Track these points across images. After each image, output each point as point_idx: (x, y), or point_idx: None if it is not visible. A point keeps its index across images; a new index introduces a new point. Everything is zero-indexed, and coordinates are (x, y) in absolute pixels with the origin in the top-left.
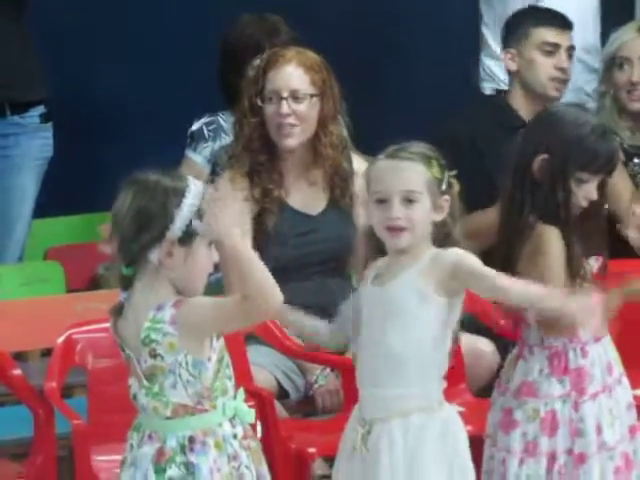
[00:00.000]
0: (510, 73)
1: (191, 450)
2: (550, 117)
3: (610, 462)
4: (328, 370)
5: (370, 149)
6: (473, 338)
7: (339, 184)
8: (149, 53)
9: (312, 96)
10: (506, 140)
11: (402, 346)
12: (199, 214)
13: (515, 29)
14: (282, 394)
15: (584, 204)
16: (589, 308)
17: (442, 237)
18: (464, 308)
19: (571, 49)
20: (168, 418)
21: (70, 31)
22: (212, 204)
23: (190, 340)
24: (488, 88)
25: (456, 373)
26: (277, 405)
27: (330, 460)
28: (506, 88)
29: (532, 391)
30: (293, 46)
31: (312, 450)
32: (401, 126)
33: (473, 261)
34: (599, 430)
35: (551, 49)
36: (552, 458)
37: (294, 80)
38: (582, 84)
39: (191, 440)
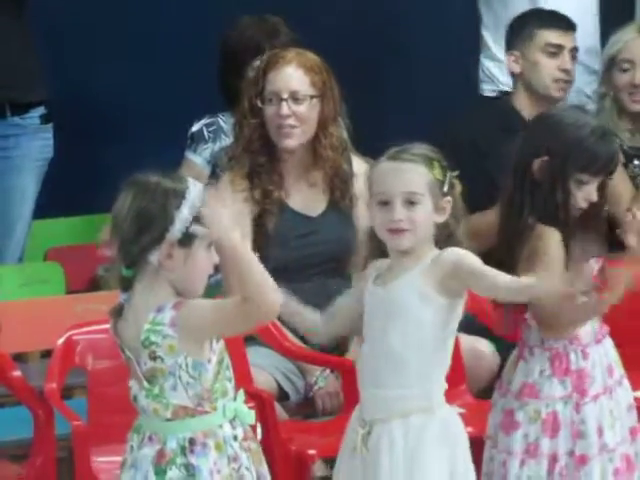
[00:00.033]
0: (513, 75)
1: (191, 452)
2: (550, 119)
3: (610, 464)
4: (328, 372)
5: (370, 150)
6: (473, 339)
7: (339, 186)
8: (149, 54)
9: (312, 97)
10: (509, 142)
11: (403, 347)
12: (198, 217)
13: (519, 31)
14: (282, 396)
15: (584, 205)
16: (587, 280)
17: (444, 238)
18: (465, 309)
19: (574, 50)
20: (168, 420)
21: (70, 32)
22: (212, 205)
23: (190, 342)
24: (487, 90)
25: (456, 374)
26: (277, 407)
27: (330, 462)
28: (505, 90)
29: (533, 392)
30: (293, 47)
31: (312, 452)
32: (401, 127)
33: (473, 260)
34: (600, 432)
35: (555, 50)
36: (553, 459)
37: (294, 81)
38: (582, 86)
39: (191, 442)
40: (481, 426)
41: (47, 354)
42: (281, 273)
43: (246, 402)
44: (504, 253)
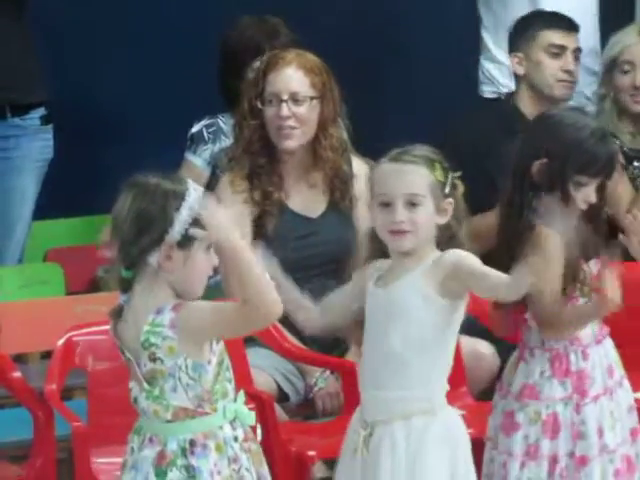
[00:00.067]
0: (517, 76)
1: (192, 453)
2: (549, 120)
3: (610, 465)
4: (328, 373)
5: (370, 151)
6: (473, 341)
7: (339, 187)
8: (149, 55)
9: (312, 99)
10: (513, 143)
11: (404, 348)
12: (197, 219)
13: (521, 32)
14: (282, 397)
15: (583, 207)
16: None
17: (446, 240)
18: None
19: (577, 51)
20: (169, 421)
21: (70, 33)
22: (211, 207)
23: (189, 344)
24: (487, 91)
25: (456, 376)
26: (277, 408)
27: (330, 463)
28: (505, 91)
29: (534, 394)
30: (293, 48)
31: (312, 453)
32: (401, 128)
33: (473, 261)
34: (600, 433)
35: (557, 51)
36: (553, 461)
37: (294, 83)
38: (582, 87)
39: (192, 443)
40: (481, 427)
41: (47, 355)
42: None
43: (246, 403)
44: (504, 254)
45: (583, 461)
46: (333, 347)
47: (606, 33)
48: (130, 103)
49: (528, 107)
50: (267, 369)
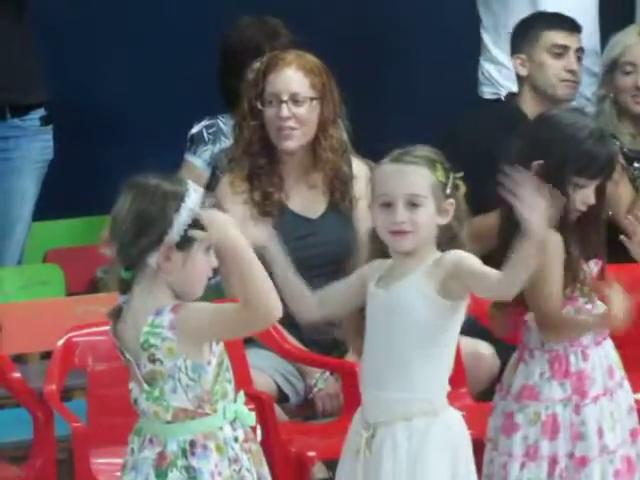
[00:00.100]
0: (519, 78)
1: (192, 454)
2: (548, 121)
3: (610, 465)
4: (327, 373)
5: (370, 152)
6: (473, 341)
7: (339, 187)
8: (149, 55)
9: (312, 99)
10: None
11: (406, 349)
12: (198, 220)
13: (524, 34)
14: (282, 398)
15: (582, 208)
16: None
17: (447, 240)
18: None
19: (580, 51)
20: (169, 422)
21: (70, 34)
22: (213, 207)
23: (189, 345)
24: (487, 92)
25: (456, 377)
26: (277, 409)
27: (330, 463)
28: (505, 92)
29: (533, 394)
30: (293, 49)
31: (312, 454)
32: (401, 129)
33: (474, 261)
34: (600, 433)
35: (560, 51)
36: (553, 462)
37: (294, 83)
38: (581, 88)
39: (192, 444)
40: (481, 428)
41: (47, 355)
42: None
43: (246, 404)
44: (504, 255)
45: (583, 462)
46: (333, 348)
47: (606, 34)
48: (130, 103)
49: (531, 108)
50: (267, 370)
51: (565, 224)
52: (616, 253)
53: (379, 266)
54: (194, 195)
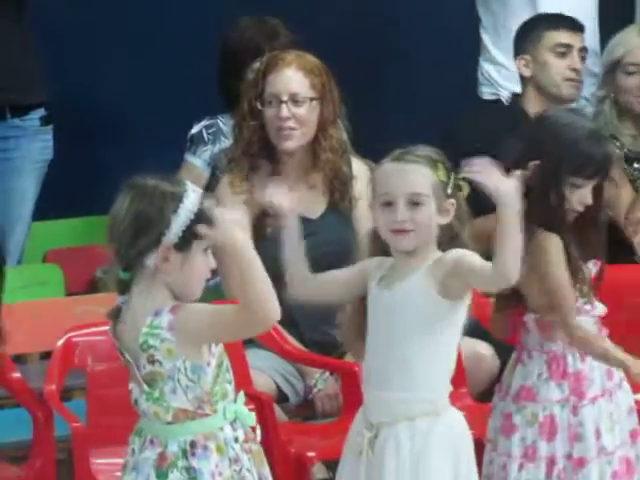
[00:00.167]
0: (523, 79)
1: (193, 454)
2: (544, 121)
3: (608, 467)
4: (327, 374)
5: (370, 152)
6: (473, 342)
7: (339, 188)
8: (149, 56)
9: (312, 100)
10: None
11: (408, 349)
12: (203, 218)
13: (527, 35)
14: (281, 398)
15: (580, 209)
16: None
17: (448, 240)
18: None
19: (583, 51)
20: (169, 423)
21: (70, 34)
22: (214, 206)
23: (188, 346)
24: (487, 93)
25: (456, 377)
26: (276, 409)
27: (329, 464)
28: (504, 93)
29: (531, 395)
30: (293, 49)
31: (311, 454)
32: (401, 129)
33: (474, 258)
34: (598, 434)
35: (564, 50)
36: (551, 463)
37: (294, 83)
38: None
39: (192, 445)
40: (481, 429)
41: (46, 356)
42: (280, 276)
43: (246, 404)
44: None
45: (581, 463)
46: (333, 348)
47: (606, 34)
48: (130, 103)
49: (535, 109)
50: (267, 370)
51: (563, 225)
52: (617, 254)
53: (381, 264)
54: (193, 196)
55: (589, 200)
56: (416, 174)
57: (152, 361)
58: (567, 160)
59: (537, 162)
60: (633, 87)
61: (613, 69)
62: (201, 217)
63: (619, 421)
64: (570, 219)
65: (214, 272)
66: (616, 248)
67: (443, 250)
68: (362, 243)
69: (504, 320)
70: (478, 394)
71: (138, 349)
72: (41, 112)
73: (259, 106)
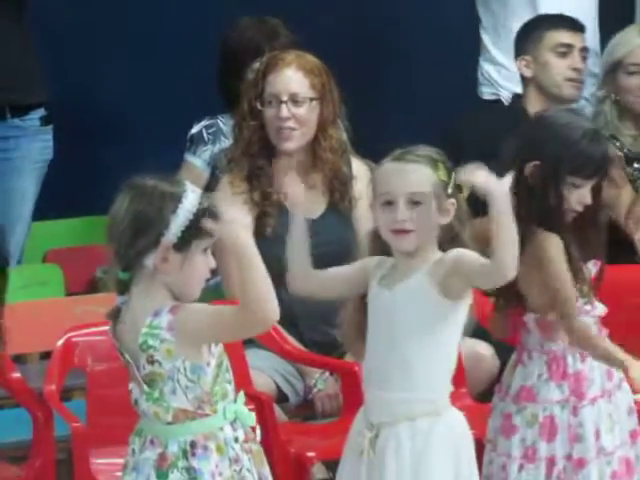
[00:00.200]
0: (524, 79)
1: (193, 455)
2: (543, 121)
3: (608, 467)
4: (327, 374)
5: (370, 152)
6: (473, 342)
7: (338, 188)
8: (149, 56)
9: (312, 100)
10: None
11: (408, 349)
12: (211, 213)
13: (527, 35)
14: (281, 398)
15: (579, 209)
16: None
17: (449, 240)
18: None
19: (584, 51)
20: (169, 423)
21: (70, 34)
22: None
23: (187, 346)
24: (487, 93)
25: (456, 377)
26: (276, 409)
27: (329, 464)
28: (504, 93)
29: (531, 396)
30: (293, 49)
31: (311, 454)
32: (401, 129)
33: (473, 256)
34: (597, 435)
35: (565, 50)
36: (551, 463)
37: (294, 84)
38: None
39: (193, 445)
40: (481, 429)
41: (46, 356)
42: (280, 276)
43: (246, 404)
44: None
45: (580, 463)
46: (333, 348)
47: (606, 34)
48: (130, 103)
49: (536, 109)
50: (266, 370)
51: (563, 225)
52: (617, 254)
53: (382, 264)
54: (192, 196)
55: (588, 200)
56: (417, 173)
57: (152, 361)
58: (566, 160)
59: (536, 162)
60: (634, 87)
61: (614, 69)
62: (207, 213)
63: (619, 421)
64: (569, 219)
65: (214, 272)
66: (616, 248)
67: (444, 250)
68: (362, 243)
69: (504, 320)
70: (478, 394)
71: (138, 349)
72: (41, 112)
73: (259, 106)
